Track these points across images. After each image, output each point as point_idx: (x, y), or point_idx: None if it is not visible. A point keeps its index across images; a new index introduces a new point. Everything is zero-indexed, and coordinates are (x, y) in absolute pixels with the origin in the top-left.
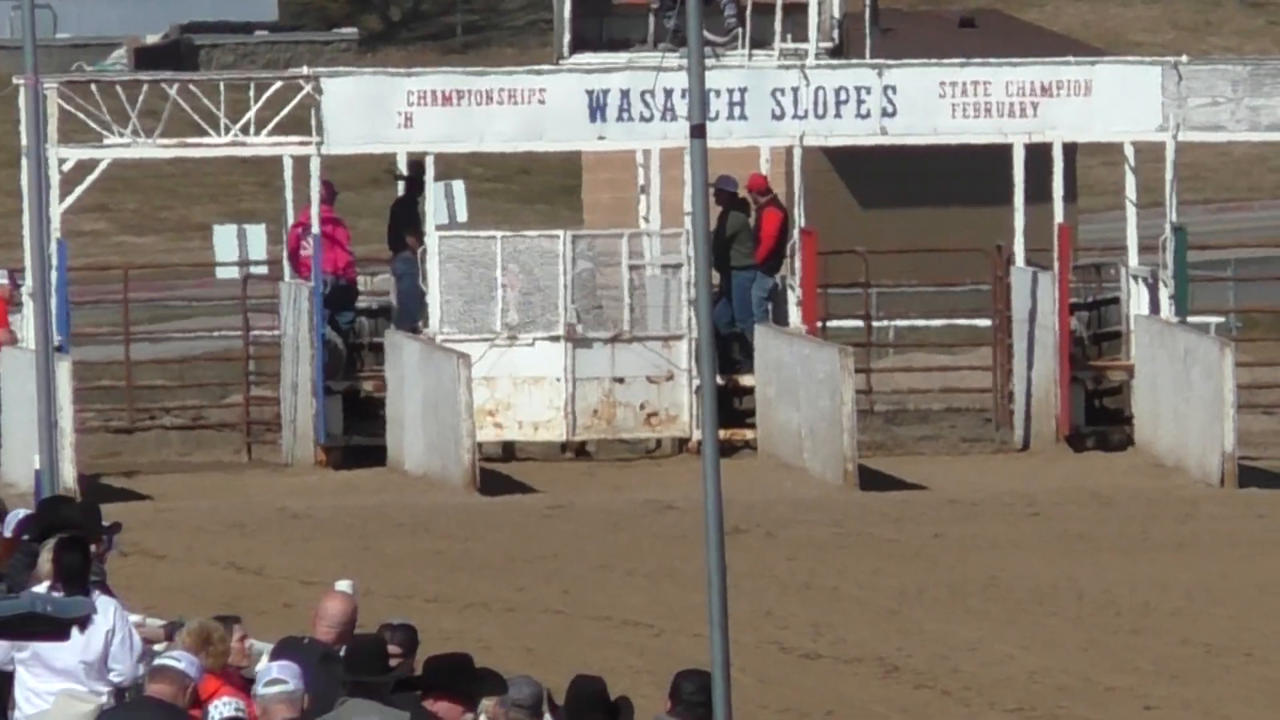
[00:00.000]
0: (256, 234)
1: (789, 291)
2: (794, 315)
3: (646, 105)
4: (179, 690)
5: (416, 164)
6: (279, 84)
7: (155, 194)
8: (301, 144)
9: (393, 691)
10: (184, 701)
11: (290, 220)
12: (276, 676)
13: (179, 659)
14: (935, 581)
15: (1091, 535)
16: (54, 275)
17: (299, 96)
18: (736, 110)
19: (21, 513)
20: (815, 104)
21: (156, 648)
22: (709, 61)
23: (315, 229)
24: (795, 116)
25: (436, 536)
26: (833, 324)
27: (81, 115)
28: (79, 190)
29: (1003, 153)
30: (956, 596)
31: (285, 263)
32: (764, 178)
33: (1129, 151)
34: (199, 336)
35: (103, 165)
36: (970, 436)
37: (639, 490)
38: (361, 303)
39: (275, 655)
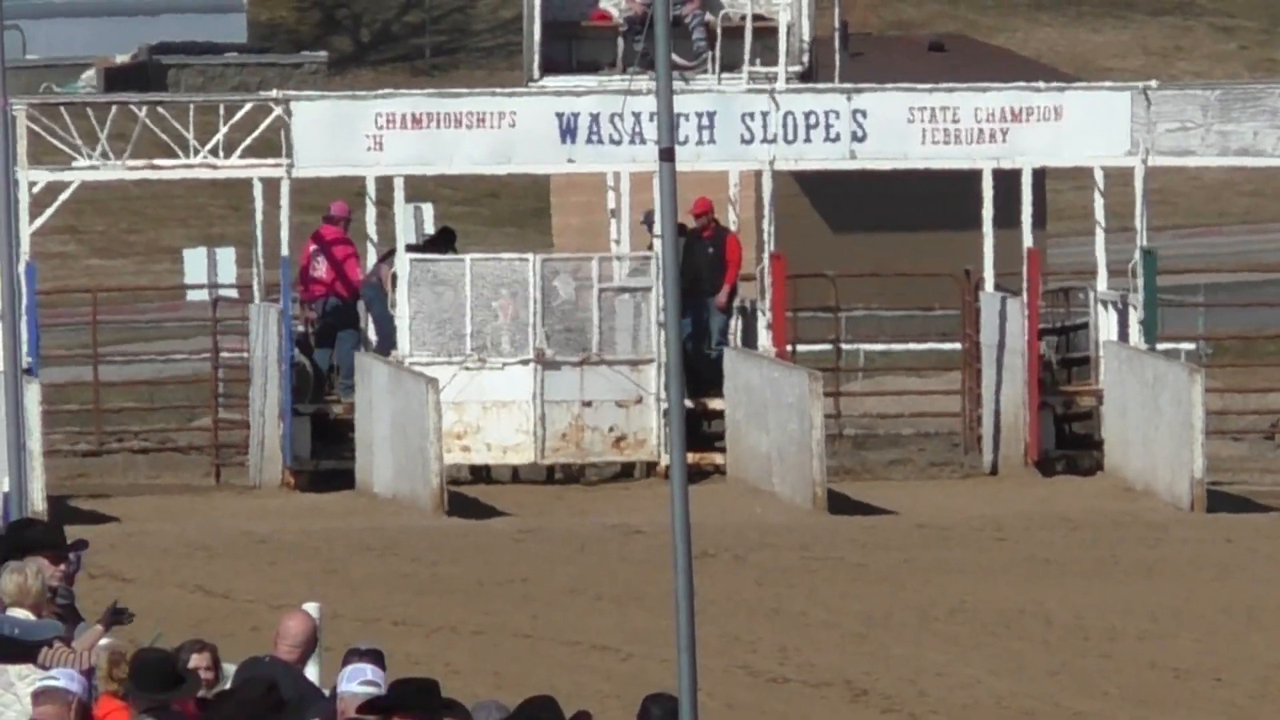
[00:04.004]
0: (226, 257)
1: (758, 315)
2: (763, 339)
3: (616, 128)
4: (64, 708)
5: (445, 231)
6: (248, 106)
7: (124, 216)
8: (271, 166)
9: (359, 713)
10: (71, 718)
11: (261, 243)
12: (371, 679)
13: (58, 677)
14: (903, 606)
15: (1060, 560)
16: (23, 298)
17: (269, 119)
18: (705, 134)
19: None
20: (784, 128)
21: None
22: (678, 85)
23: (284, 251)
24: (764, 140)
25: (404, 560)
26: (802, 348)
27: (50, 137)
28: (48, 212)
29: (972, 177)
30: (925, 621)
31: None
32: (709, 201)
33: (1098, 176)
34: (168, 359)
35: (72, 187)
36: (939, 461)
37: (607, 514)
38: None
39: (239, 675)
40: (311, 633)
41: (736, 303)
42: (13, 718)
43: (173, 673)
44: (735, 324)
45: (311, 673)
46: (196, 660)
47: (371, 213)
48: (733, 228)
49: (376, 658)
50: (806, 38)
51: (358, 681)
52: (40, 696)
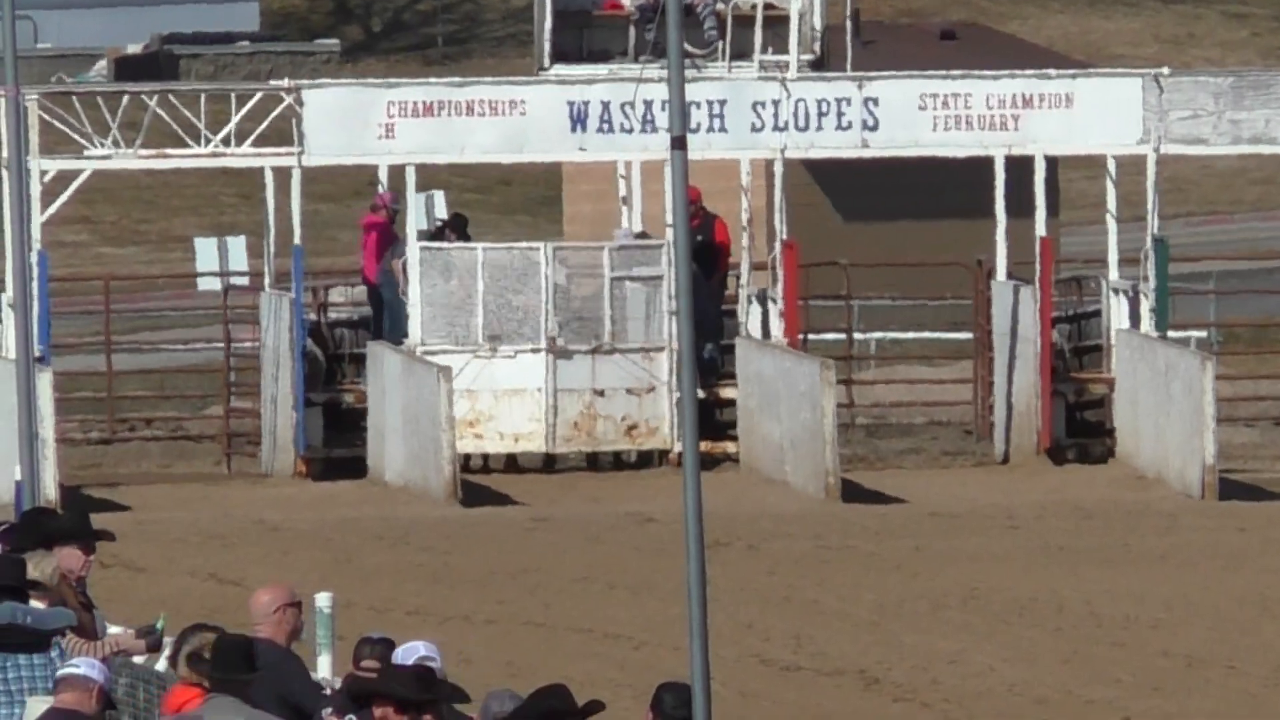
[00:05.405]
0: (237, 245)
1: (770, 304)
2: (775, 328)
3: (627, 117)
4: (84, 696)
5: (458, 216)
6: (260, 95)
7: (136, 205)
8: (282, 155)
9: (354, 702)
10: (91, 707)
11: (273, 232)
12: (426, 654)
13: (78, 665)
14: (916, 594)
15: (1072, 548)
16: (35, 286)
17: (280, 108)
18: (717, 122)
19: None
20: (796, 116)
21: (136, 660)
22: (689, 73)
23: (296, 239)
24: (776, 129)
25: (416, 549)
26: (814, 337)
27: (62, 126)
28: (59, 201)
29: (984, 165)
30: (937, 609)
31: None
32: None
33: (1110, 164)
34: (179, 348)
35: (83, 176)
36: (951, 449)
37: (620, 503)
38: (342, 314)
39: None
40: (277, 601)
41: (754, 291)
42: None
43: (251, 657)
44: (747, 312)
45: (324, 663)
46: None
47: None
48: (744, 217)
49: (388, 647)
50: (818, 26)
51: (414, 659)
52: (62, 684)
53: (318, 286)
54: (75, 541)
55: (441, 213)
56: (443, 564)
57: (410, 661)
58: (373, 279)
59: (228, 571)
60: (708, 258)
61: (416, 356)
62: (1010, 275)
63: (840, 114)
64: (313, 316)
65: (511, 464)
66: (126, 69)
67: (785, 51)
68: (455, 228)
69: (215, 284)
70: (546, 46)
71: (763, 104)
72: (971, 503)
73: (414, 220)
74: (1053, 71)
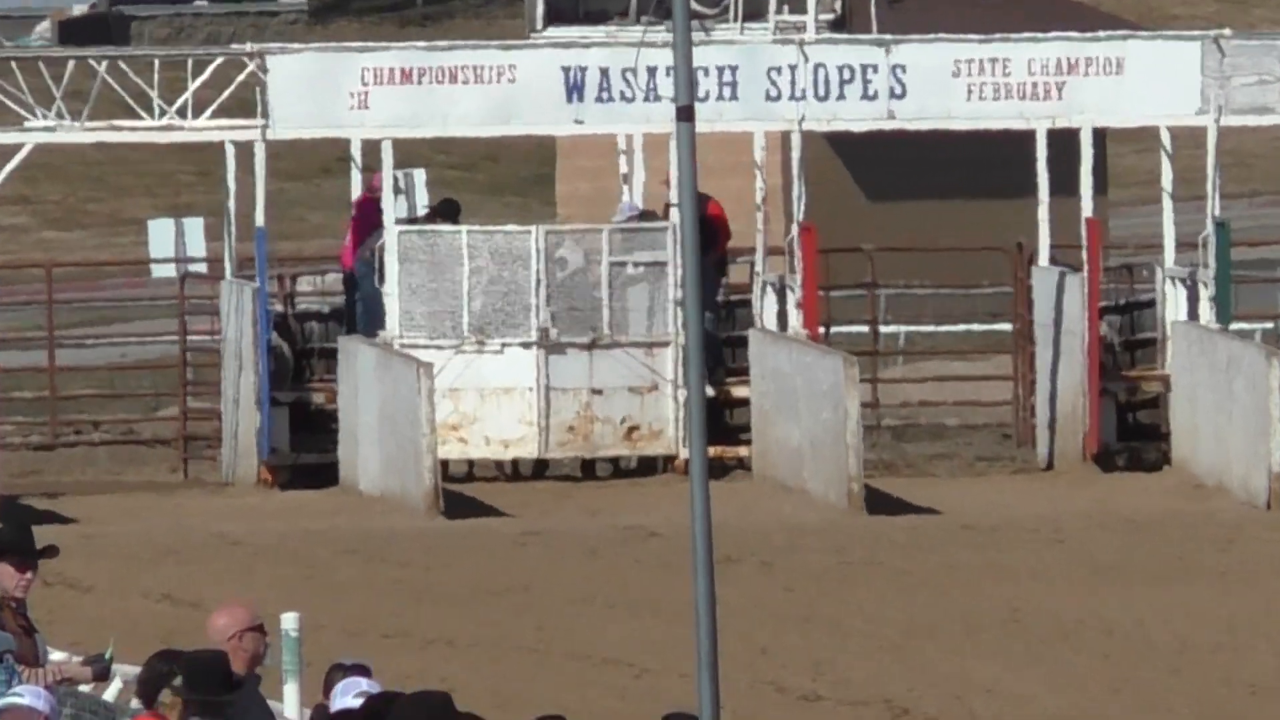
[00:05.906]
0: (195, 228)
1: (788, 293)
2: (794, 319)
3: (628, 84)
4: None
5: (448, 202)
6: (220, 61)
7: (82, 184)
8: (245, 128)
9: None
10: None
11: (234, 213)
12: (367, 690)
13: (22, 694)
14: (948, 615)
15: (1122, 564)
16: None
17: (242, 75)
18: (728, 90)
19: None
20: (815, 84)
21: (83, 689)
22: (697, 36)
23: (259, 221)
24: (793, 98)
25: (394, 565)
26: (836, 329)
27: (0, 95)
28: None
29: (1024, 139)
30: (972, 632)
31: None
32: None
33: (1165, 137)
34: (131, 342)
35: (24, 151)
36: (988, 455)
37: (619, 514)
38: (312, 305)
39: None
40: (237, 624)
41: (769, 279)
42: None
43: (227, 674)
44: (761, 302)
45: (290, 691)
46: None
47: (356, 179)
48: (758, 196)
49: (363, 673)
50: None
51: (353, 694)
52: (4, 715)
53: (284, 274)
54: (14, 557)
55: (421, 192)
56: (423, 581)
57: (350, 696)
58: (350, 265)
59: (184, 591)
60: (701, 235)
61: (394, 351)
62: (1054, 261)
63: (865, 81)
64: (278, 307)
65: (499, 471)
66: (72, 32)
67: (803, 11)
68: (446, 214)
69: (170, 271)
70: (539, 7)
71: (778, 70)
72: (1010, 514)
73: (390, 201)
74: (1101, 34)
